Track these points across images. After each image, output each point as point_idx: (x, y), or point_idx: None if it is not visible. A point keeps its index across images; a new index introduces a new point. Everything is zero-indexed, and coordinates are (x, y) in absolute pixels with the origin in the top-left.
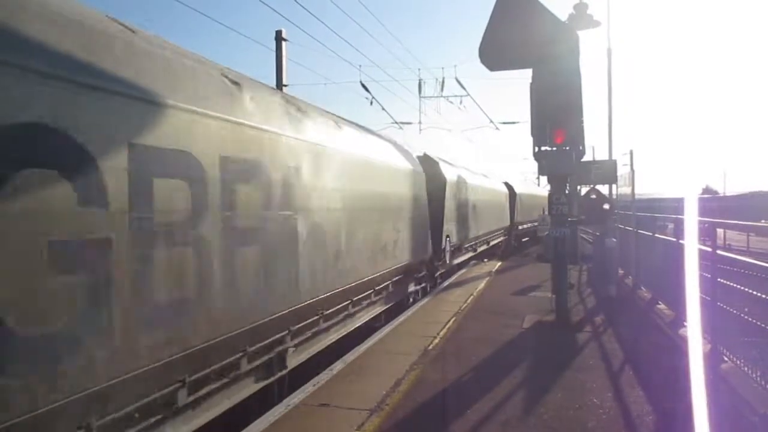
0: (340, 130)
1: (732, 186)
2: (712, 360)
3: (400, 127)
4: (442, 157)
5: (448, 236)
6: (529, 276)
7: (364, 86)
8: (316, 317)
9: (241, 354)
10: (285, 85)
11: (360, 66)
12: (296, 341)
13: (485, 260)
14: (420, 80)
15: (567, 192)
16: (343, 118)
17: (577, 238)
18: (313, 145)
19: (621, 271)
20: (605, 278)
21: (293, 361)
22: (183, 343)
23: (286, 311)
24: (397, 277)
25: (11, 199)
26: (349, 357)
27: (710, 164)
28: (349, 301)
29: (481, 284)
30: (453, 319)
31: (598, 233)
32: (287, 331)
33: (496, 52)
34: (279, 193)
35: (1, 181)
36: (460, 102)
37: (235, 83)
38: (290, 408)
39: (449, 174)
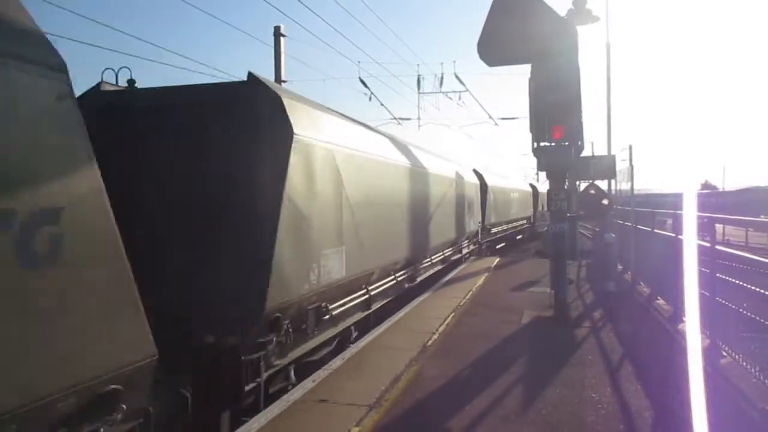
0: None
1: (731, 181)
2: (710, 355)
3: (399, 123)
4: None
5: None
6: (528, 271)
7: (363, 82)
8: None
9: None
10: (284, 81)
11: (359, 62)
12: None
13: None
14: (419, 76)
15: (566, 187)
16: None
17: (576, 233)
18: None
19: (620, 267)
20: (604, 274)
21: None
22: None
23: None
24: None
25: None
26: (348, 353)
27: (710, 160)
28: None
29: (480, 280)
30: (452, 314)
31: (597, 229)
32: None
33: (495, 47)
34: None
35: None
36: (459, 98)
37: None
38: (289, 404)
39: (307, 130)
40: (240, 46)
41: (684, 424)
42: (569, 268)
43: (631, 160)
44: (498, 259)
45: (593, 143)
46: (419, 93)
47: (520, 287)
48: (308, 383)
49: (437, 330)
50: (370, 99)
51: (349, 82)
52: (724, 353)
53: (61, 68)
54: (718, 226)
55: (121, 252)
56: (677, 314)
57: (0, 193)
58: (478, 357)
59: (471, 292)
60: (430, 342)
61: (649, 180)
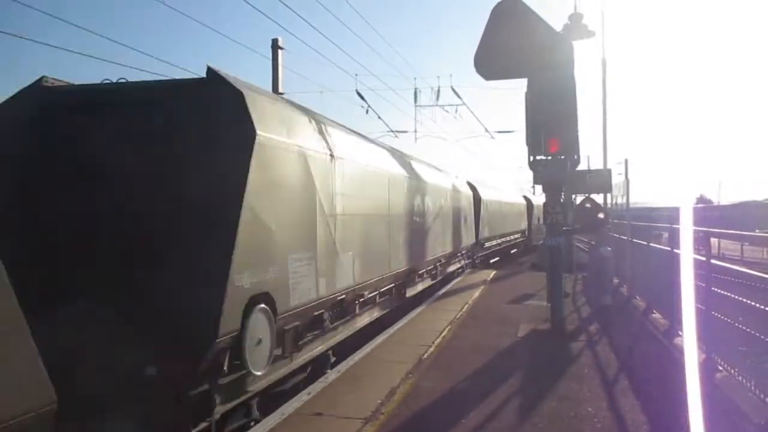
0: None
1: (727, 195)
2: (706, 369)
3: (396, 136)
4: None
5: None
6: (524, 285)
7: (359, 95)
8: None
9: None
10: (281, 93)
11: (356, 75)
12: None
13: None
14: (416, 89)
15: (562, 201)
16: None
17: (572, 247)
18: None
19: (616, 280)
20: (600, 287)
21: None
22: None
23: None
24: None
25: None
26: (344, 366)
27: (705, 173)
28: None
29: (476, 293)
30: (448, 327)
31: (593, 242)
32: None
33: (492, 61)
34: None
35: None
36: (456, 111)
37: None
38: (285, 417)
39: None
40: (239, 57)
41: None
42: (565, 282)
43: (626, 173)
44: (494, 272)
45: (589, 157)
46: (416, 106)
47: (517, 300)
48: (303, 396)
49: (433, 343)
50: (367, 112)
51: (346, 95)
52: (720, 367)
53: None
54: (714, 240)
55: None
56: (673, 328)
57: None
58: (474, 370)
59: (467, 305)
60: (426, 355)
61: (645, 193)
